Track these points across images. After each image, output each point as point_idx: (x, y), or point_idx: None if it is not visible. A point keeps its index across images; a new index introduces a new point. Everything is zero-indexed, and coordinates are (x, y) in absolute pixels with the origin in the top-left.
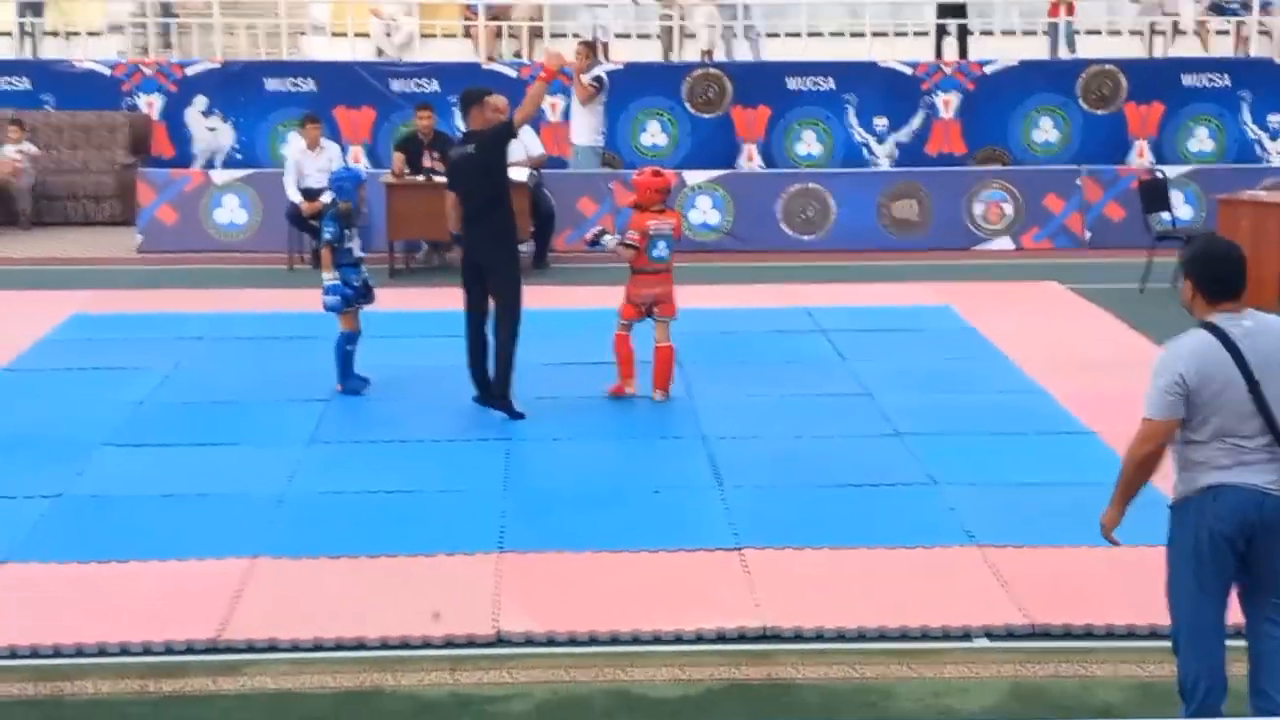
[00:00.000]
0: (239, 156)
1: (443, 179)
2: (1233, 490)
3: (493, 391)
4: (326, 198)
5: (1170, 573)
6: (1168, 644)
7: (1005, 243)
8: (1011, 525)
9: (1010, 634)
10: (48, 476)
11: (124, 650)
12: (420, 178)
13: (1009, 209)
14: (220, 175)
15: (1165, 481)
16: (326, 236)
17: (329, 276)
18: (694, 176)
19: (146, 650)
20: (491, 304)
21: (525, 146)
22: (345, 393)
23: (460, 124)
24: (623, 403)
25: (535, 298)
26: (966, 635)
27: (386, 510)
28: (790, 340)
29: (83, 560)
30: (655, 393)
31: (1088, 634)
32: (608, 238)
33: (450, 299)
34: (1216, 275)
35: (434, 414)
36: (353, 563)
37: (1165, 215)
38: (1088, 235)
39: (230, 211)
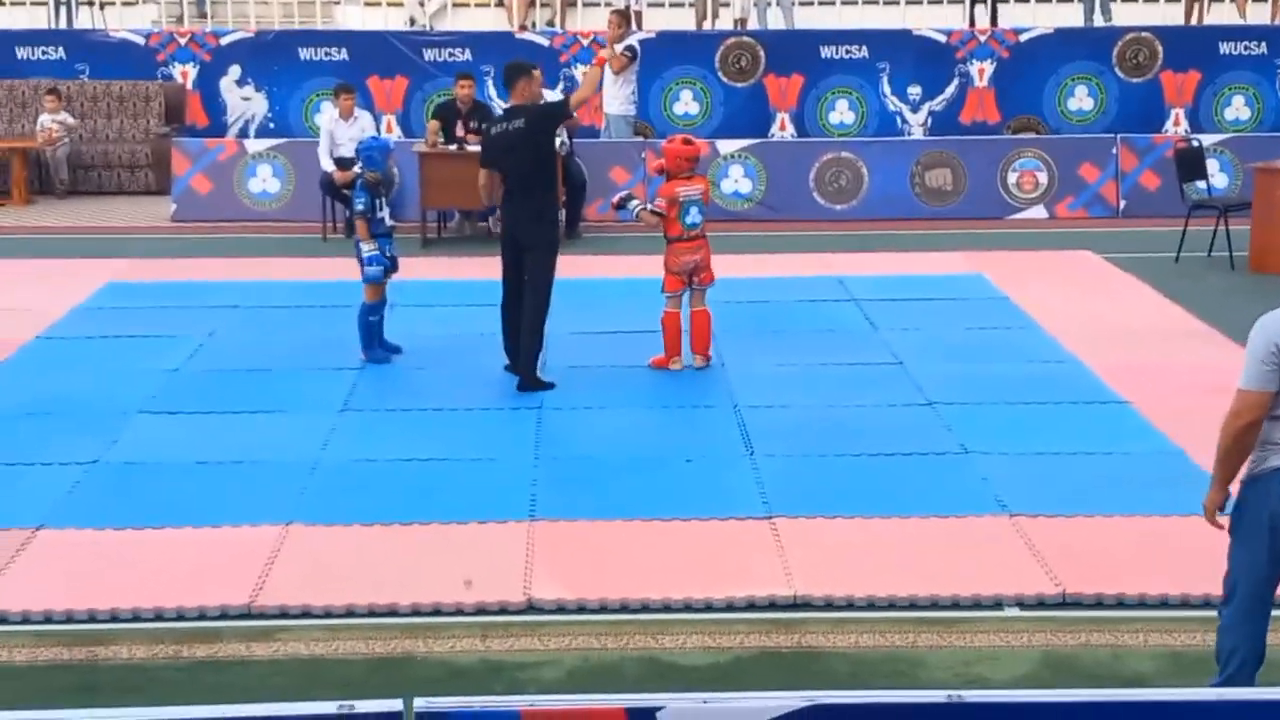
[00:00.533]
0: (272, 125)
1: (476, 149)
2: None
3: (520, 371)
4: (359, 167)
5: (1233, 545)
6: (1199, 613)
7: (1039, 211)
8: (1044, 495)
9: (1041, 603)
10: (83, 443)
11: (158, 615)
12: (453, 147)
13: (1043, 178)
14: (254, 144)
15: (1201, 453)
16: (359, 207)
17: (368, 247)
18: (726, 146)
19: (180, 616)
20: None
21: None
22: (370, 362)
23: (493, 94)
24: (653, 372)
25: (566, 267)
26: (998, 604)
27: (419, 478)
28: (822, 309)
29: (117, 526)
30: (696, 358)
31: (1119, 604)
32: (634, 203)
33: (482, 268)
34: None
35: (466, 383)
36: (385, 530)
37: (1201, 184)
38: (1123, 204)
39: (264, 180)
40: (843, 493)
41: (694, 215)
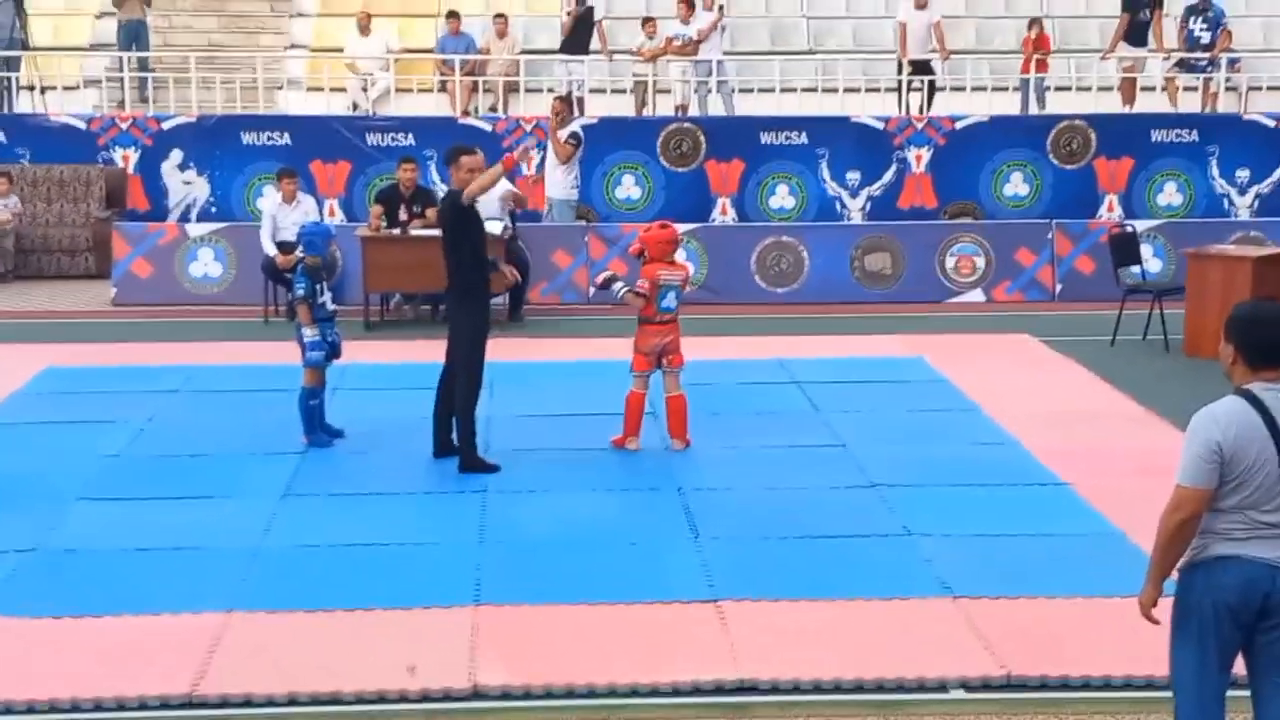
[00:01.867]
0: (214, 210)
1: (420, 233)
2: (1244, 563)
3: (456, 447)
4: (300, 251)
5: (1173, 639)
6: (1141, 694)
7: (977, 295)
8: (987, 577)
9: (986, 685)
10: (21, 530)
11: (97, 705)
12: (396, 231)
13: (980, 262)
14: (195, 228)
15: (1140, 534)
16: (300, 292)
17: (310, 332)
18: None
19: (120, 705)
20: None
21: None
22: (312, 445)
23: (436, 178)
24: (598, 455)
25: (510, 350)
26: (943, 687)
27: (362, 563)
28: (764, 392)
29: (55, 615)
30: (675, 442)
31: (1064, 685)
32: (619, 284)
33: (425, 351)
34: (1261, 341)
35: (409, 466)
36: (328, 616)
37: (1135, 268)
38: (1059, 288)
39: (205, 264)
40: (788, 575)
41: (670, 300)
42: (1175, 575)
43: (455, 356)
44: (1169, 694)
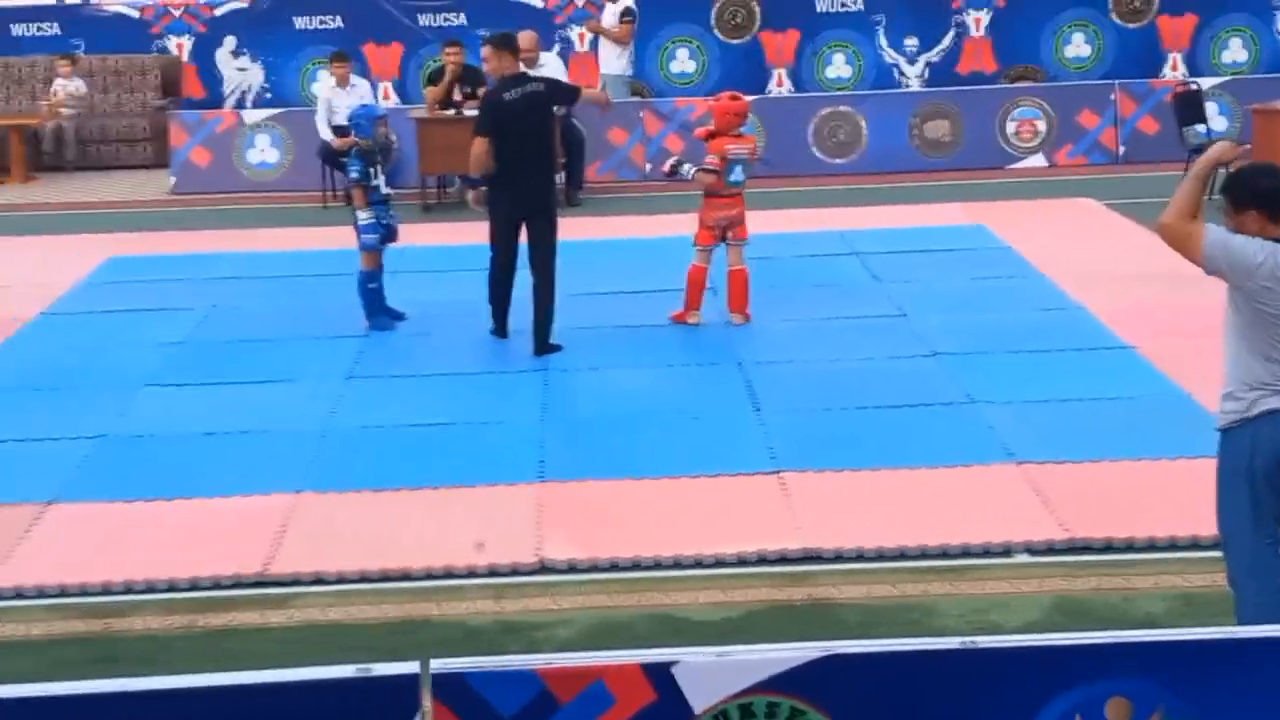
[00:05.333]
0: (269, 96)
1: (474, 113)
2: None
3: (536, 336)
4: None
5: (1222, 501)
6: (1209, 554)
7: (1038, 160)
8: (1050, 441)
9: (1051, 549)
10: (91, 417)
11: (171, 586)
12: (450, 112)
13: (1042, 126)
14: (251, 115)
15: (1205, 394)
16: (354, 175)
17: (365, 215)
18: None
19: (194, 586)
20: (525, 243)
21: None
22: (374, 329)
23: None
24: (659, 331)
25: (568, 229)
26: (1007, 551)
27: (427, 443)
28: (824, 264)
29: (128, 499)
30: (735, 316)
31: (1129, 547)
32: (687, 166)
33: (483, 233)
34: (1274, 192)
35: (470, 347)
36: (395, 495)
37: (1200, 127)
38: (1122, 150)
39: (262, 151)
40: (850, 445)
41: (738, 173)
42: (1219, 435)
43: (548, 239)
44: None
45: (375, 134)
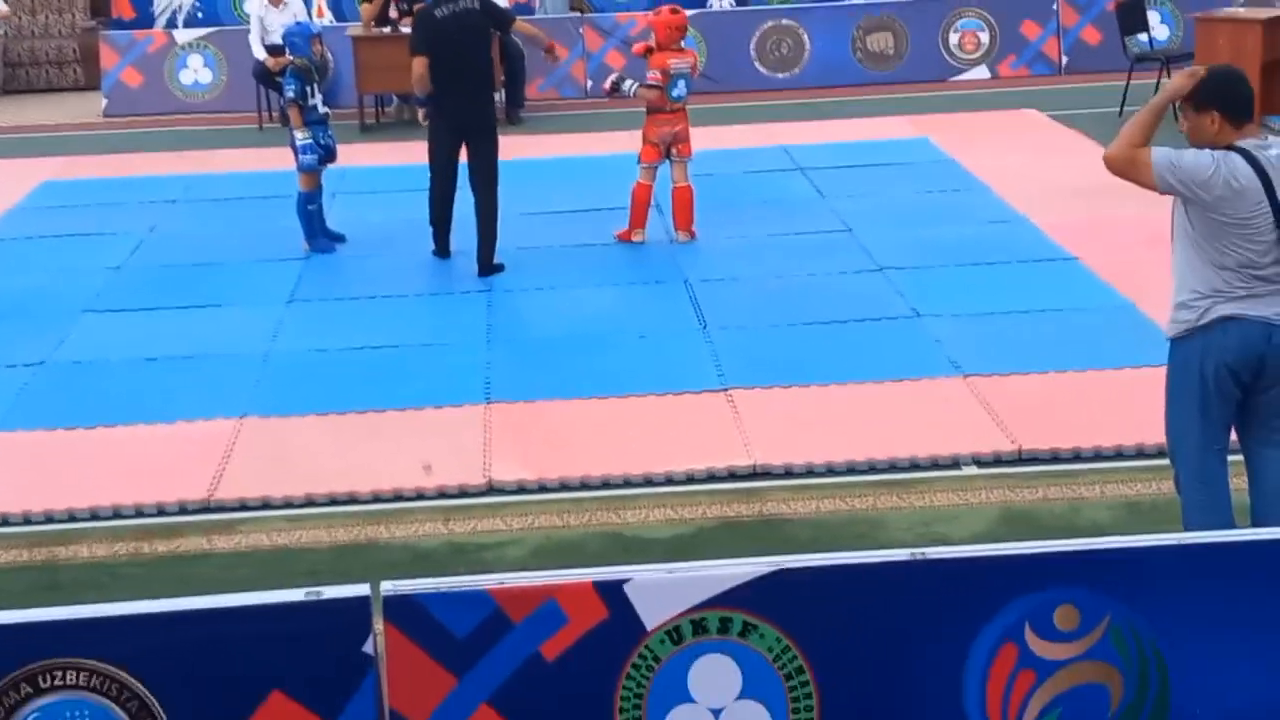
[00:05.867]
0: (200, 15)
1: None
2: (1244, 322)
3: (480, 256)
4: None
5: (1170, 408)
6: (1154, 462)
7: (982, 72)
8: (997, 354)
9: (998, 460)
10: (29, 345)
11: (116, 514)
12: (386, 29)
13: (984, 37)
14: (183, 35)
15: (1150, 305)
16: (290, 95)
17: (301, 135)
18: None
19: (139, 512)
20: (464, 163)
21: None
22: (314, 251)
23: None
24: (601, 250)
25: (509, 148)
26: (955, 464)
27: (371, 366)
28: (769, 180)
29: (69, 426)
30: (679, 234)
31: (1075, 457)
32: (628, 82)
33: (422, 153)
34: (1238, 96)
35: (412, 269)
36: (341, 419)
37: (1142, 37)
38: (1065, 60)
39: (195, 71)
40: (797, 361)
41: (680, 88)
42: (1170, 344)
43: (489, 158)
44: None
45: (311, 52)
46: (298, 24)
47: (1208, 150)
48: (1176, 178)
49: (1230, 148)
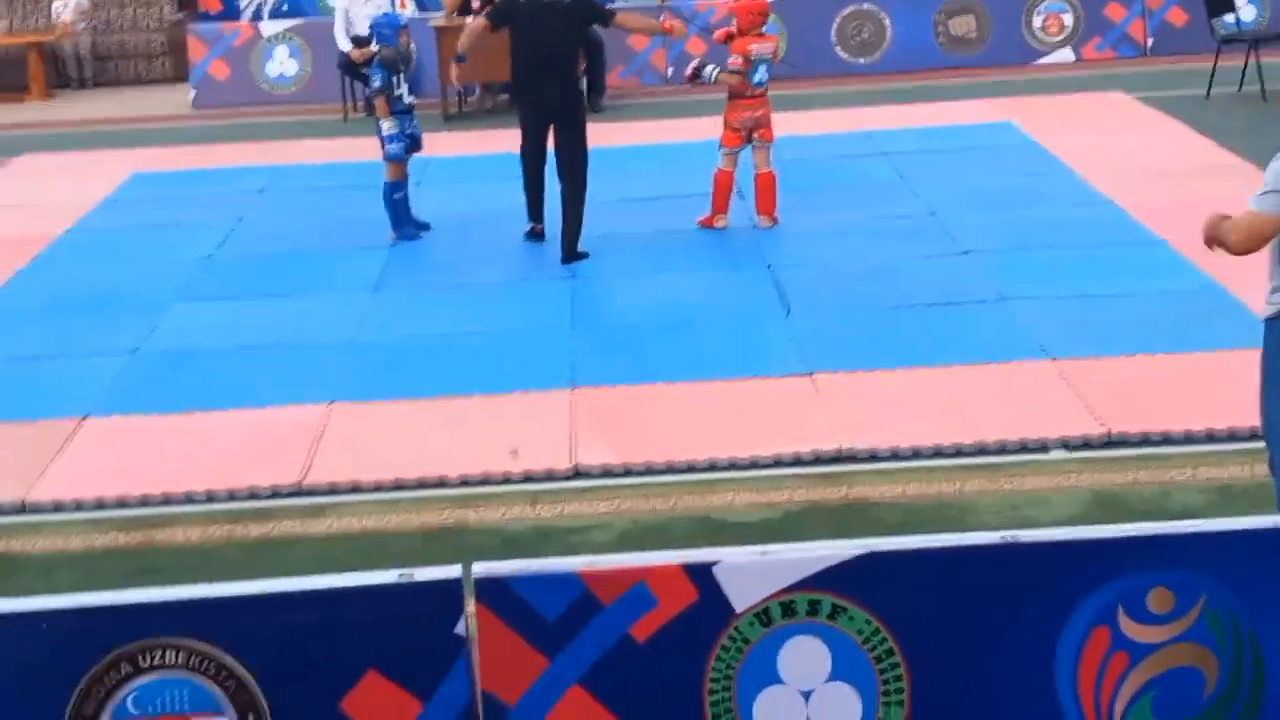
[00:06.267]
0: (285, 7)
1: None
2: None
3: (564, 243)
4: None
5: (1266, 390)
6: (1246, 445)
7: (1066, 54)
8: (1085, 337)
9: (1088, 444)
10: (123, 333)
11: (210, 498)
12: (469, 19)
13: (1068, 19)
14: (269, 27)
15: (1240, 286)
16: (377, 84)
17: (388, 125)
18: None
19: (232, 496)
20: (552, 150)
21: None
22: (400, 239)
23: None
24: (684, 236)
25: (591, 135)
26: (1044, 447)
27: (457, 352)
28: (852, 165)
29: (163, 412)
30: (762, 219)
31: (1165, 440)
32: (709, 68)
33: (505, 142)
34: None
35: (496, 256)
36: (428, 404)
37: (1229, 18)
38: (1150, 42)
39: (281, 63)
40: (882, 345)
41: (762, 73)
42: (1265, 325)
43: (574, 148)
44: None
45: (398, 43)
46: (385, 15)
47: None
48: None
49: None
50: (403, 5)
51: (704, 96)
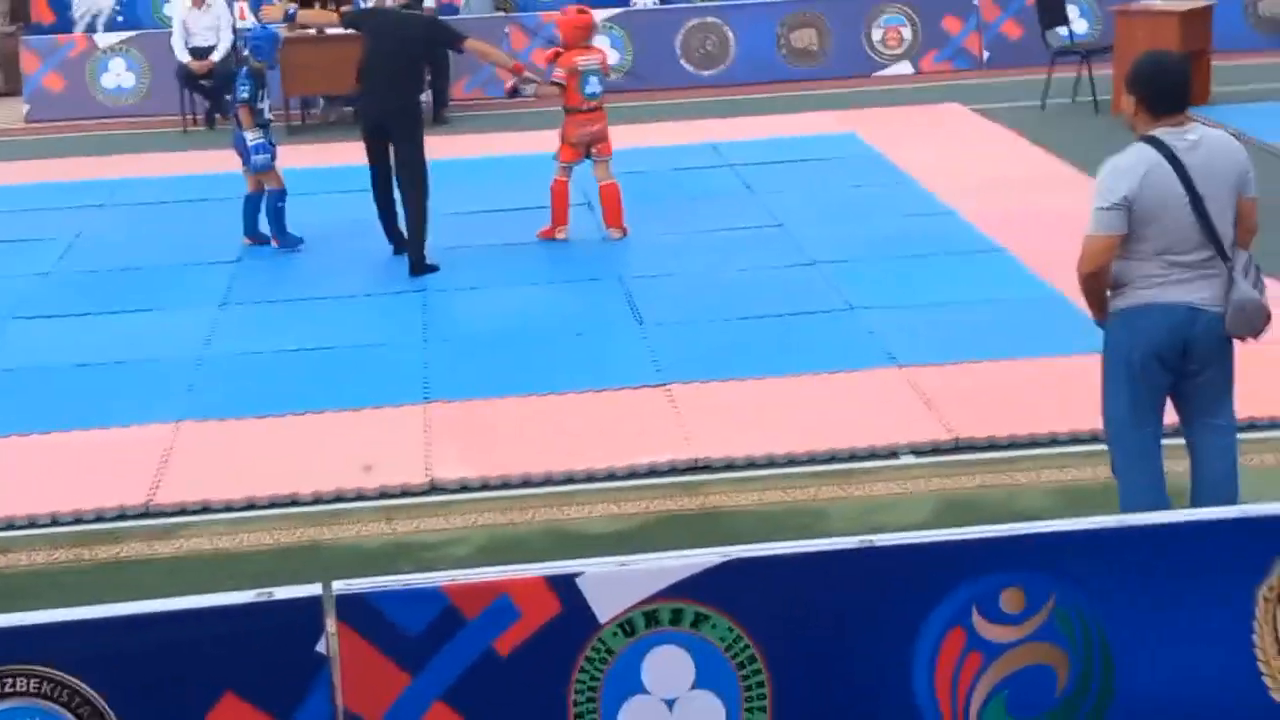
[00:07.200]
0: (121, 19)
1: (336, 31)
2: (1164, 308)
3: (410, 256)
4: (216, 56)
5: (1104, 389)
6: (1089, 448)
7: (905, 67)
8: (931, 345)
9: (936, 449)
10: None
11: (54, 520)
12: (312, 31)
13: (907, 33)
14: (104, 39)
15: (1078, 296)
16: (244, 95)
17: (254, 135)
18: None
19: (78, 519)
20: (394, 163)
21: None
22: (283, 247)
23: None
24: (534, 248)
25: (436, 148)
26: (893, 453)
27: (308, 367)
28: (698, 176)
29: (3, 434)
30: (612, 231)
31: (1011, 444)
32: (529, 85)
33: (351, 154)
34: (1161, 88)
35: (345, 269)
36: (279, 421)
37: (1063, 30)
38: (986, 55)
39: (118, 75)
40: (734, 355)
41: (593, 85)
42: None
43: (408, 161)
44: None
45: (275, 57)
46: (263, 29)
47: (1109, 165)
48: (1117, 223)
49: (1145, 138)
50: (241, 16)
51: (546, 109)
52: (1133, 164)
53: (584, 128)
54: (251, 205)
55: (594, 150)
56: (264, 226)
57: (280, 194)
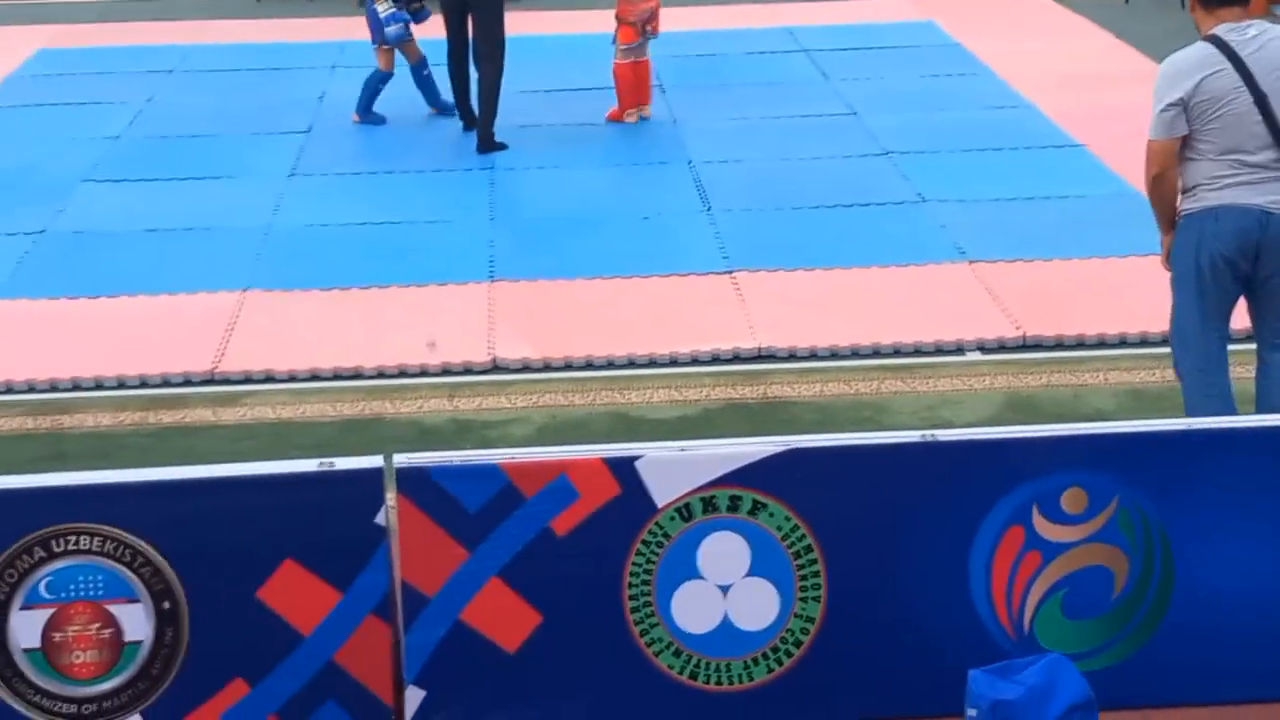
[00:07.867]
0: None
1: None
2: (1235, 210)
3: (479, 133)
4: None
5: (1173, 293)
6: (1158, 350)
7: None
8: (1002, 240)
9: (1003, 347)
10: (28, 214)
11: (121, 384)
12: None
13: None
14: None
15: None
16: None
17: (384, 7)
18: None
19: (143, 383)
20: (472, 37)
21: None
22: (363, 123)
23: None
24: (605, 129)
25: (511, 23)
26: (959, 349)
27: (374, 242)
28: (772, 61)
29: (73, 295)
30: (642, 109)
31: (1079, 344)
32: None
33: (428, 28)
34: None
35: (414, 145)
36: (344, 294)
37: None
38: None
39: None
40: (802, 245)
41: None
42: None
43: (484, 34)
44: None
45: None
46: None
47: (1165, 66)
48: (1175, 126)
49: (1207, 37)
50: None
51: None
52: (1188, 64)
53: (643, 4)
54: (417, 76)
55: (648, 28)
56: (444, 95)
57: (384, 76)
